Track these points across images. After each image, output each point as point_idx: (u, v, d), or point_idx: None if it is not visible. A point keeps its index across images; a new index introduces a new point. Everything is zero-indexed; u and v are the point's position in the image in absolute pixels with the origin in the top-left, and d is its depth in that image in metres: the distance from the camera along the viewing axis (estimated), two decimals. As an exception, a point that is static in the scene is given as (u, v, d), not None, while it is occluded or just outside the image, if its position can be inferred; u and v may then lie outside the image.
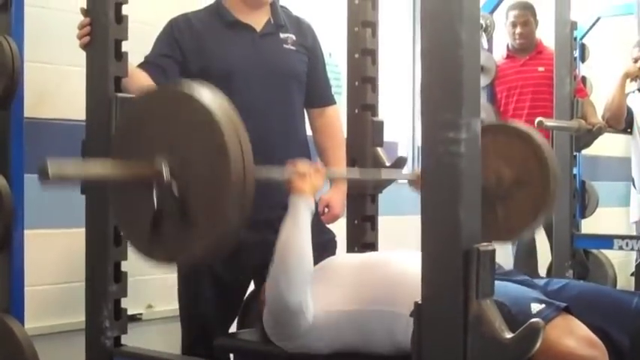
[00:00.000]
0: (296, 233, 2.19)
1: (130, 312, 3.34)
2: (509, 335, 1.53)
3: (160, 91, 2.00)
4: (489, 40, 4.98)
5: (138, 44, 2.51)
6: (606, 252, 5.31)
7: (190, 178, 1.78)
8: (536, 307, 1.94)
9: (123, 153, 1.90)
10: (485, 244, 1.56)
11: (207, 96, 1.81)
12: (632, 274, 2.63)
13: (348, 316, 2.16)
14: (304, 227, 2.20)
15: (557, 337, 1.85)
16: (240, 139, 1.76)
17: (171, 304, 2.92)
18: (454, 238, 1.54)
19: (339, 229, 2.92)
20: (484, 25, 4.87)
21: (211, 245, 1.80)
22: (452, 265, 1.54)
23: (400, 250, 2.39)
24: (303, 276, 2.15)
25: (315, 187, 2.29)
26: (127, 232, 2.01)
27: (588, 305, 2.12)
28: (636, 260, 2.78)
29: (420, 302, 1.59)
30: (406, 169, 2.90)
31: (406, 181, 2.84)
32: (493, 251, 1.56)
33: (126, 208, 1.95)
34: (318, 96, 2.88)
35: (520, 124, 2.73)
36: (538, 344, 1.52)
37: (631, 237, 4.21)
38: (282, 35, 2.75)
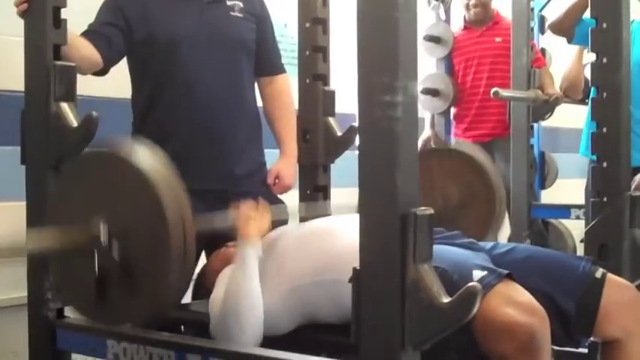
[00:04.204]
0: (246, 282, 2.14)
1: (81, 285, 3.36)
2: (446, 300, 1.52)
3: (97, 155, 2.02)
4: (447, 12, 4.95)
5: (83, 13, 2.47)
6: (567, 222, 5.34)
7: (130, 242, 1.82)
8: (478, 274, 1.92)
9: (61, 218, 1.95)
10: (422, 208, 1.54)
11: (144, 158, 1.83)
12: (581, 241, 2.65)
13: (299, 294, 2.14)
14: (254, 275, 2.16)
15: (496, 305, 1.82)
16: (179, 202, 1.79)
17: (123, 278, 2.88)
18: (391, 202, 1.53)
19: (291, 199, 2.90)
20: (442, -4, 4.85)
21: (155, 310, 1.85)
22: (389, 230, 1.53)
23: (342, 215, 2.37)
24: (255, 325, 2.11)
25: (261, 230, 2.26)
26: (70, 298, 2.05)
27: (534, 269, 2.10)
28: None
29: (358, 268, 1.58)
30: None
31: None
32: (430, 215, 1.55)
33: (67, 275, 2.00)
34: (268, 64, 2.85)
35: (464, 147, 2.77)
36: (475, 308, 1.51)
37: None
38: (229, 3, 2.71)
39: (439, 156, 2.61)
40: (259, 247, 2.22)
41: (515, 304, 1.89)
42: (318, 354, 2.02)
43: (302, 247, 2.22)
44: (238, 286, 2.15)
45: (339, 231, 2.19)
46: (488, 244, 2.27)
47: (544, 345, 1.87)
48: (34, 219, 2.22)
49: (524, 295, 1.93)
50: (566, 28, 4.12)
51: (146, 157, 1.85)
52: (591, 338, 2.21)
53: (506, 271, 1.96)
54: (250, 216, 2.25)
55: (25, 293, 2.29)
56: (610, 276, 2.14)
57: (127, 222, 1.83)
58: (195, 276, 2.84)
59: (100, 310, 1.90)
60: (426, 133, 4.78)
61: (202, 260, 2.84)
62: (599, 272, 2.14)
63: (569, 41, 4.24)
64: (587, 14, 2.62)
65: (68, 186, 2.02)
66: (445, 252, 1.98)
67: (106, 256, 1.83)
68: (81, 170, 2.03)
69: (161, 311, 1.91)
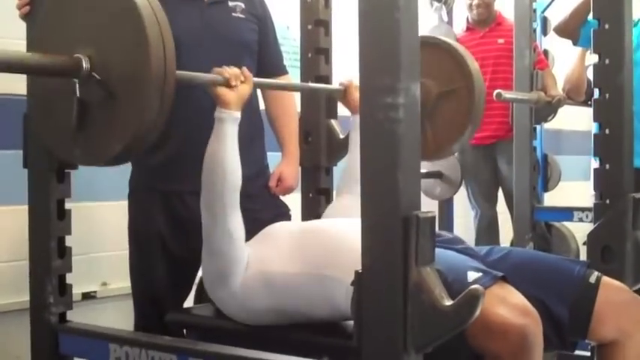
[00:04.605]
0: (222, 148, 2.19)
1: (84, 290, 3.36)
2: (449, 302, 1.52)
3: None
4: (449, 13, 4.96)
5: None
6: (570, 225, 5.33)
7: (111, 69, 1.78)
8: (472, 276, 1.93)
9: (41, 46, 1.90)
10: (425, 211, 1.54)
11: None
12: (584, 244, 2.65)
13: (287, 279, 2.16)
14: (230, 141, 2.21)
15: (489, 306, 1.82)
16: (162, 31, 1.77)
17: (126, 282, 2.88)
18: (393, 204, 1.52)
19: (293, 202, 2.89)
20: (444, -2, 4.86)
21: (135, 135, 1.80)
22: (391, 232, 1.52)
23: (344, 218, 2.37)
24: (231, 191, 2.18)
25: (241, 97, 2.26)
26: (47, 133, 2.00)
27: (528, 275, 2.11)
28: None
29: (360, 271, 1.57)
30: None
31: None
32: (433, 218, 1.55)
33: (46, 108, 1.95)
34: (270, 65, 2.84)
35: (444, 39, 2.74)
36: (478, 311, 1.51)
37: (590, 209, 4.19)
38: (230, 3, 2.69)
39: None
40: (238, 114, 2.25)
41: (509, 306, 1.89)
42: (319, 357, 2.02)
43: (303, 241, 2.24)
44: (214, 155, 2.20)
45: (341, 231, 2.20)
46: (483, 249, 2.28)
47: (536, 346, 1.88)
48: (37, 222, 2.21)
49: (517, 297, 1.93)
50: (571, 29, 4.12)
51: None
52: (587, 341, 2.21)
53: (500, 273, 1.97)
54: (231, 80, 2.24)
55: (27, 297, 2.28)
56: (605, 279, 2.15)
57: (110, 47, 1.80)
58: (197, 280, 2.86)
59: (80, 142, 1.87)
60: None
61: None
62: (594, 276, 2.15)
63: (575, 43, 4.23)
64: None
65: (54, 12, 1.96)
66: (441, 255, 1.97)
67: (88, 79, 1.80)
68: None
69: (140, 142, 1.86)
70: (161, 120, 1.81)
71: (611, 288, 2.14)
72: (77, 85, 1.80)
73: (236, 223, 2.20)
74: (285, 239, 2.27)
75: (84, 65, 1.79)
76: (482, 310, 1.69)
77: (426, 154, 2.50)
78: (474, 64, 2.62)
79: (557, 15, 5.22)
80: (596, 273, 2.15)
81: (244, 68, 2.33)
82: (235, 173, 2.19)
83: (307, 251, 2.18)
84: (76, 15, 1.87)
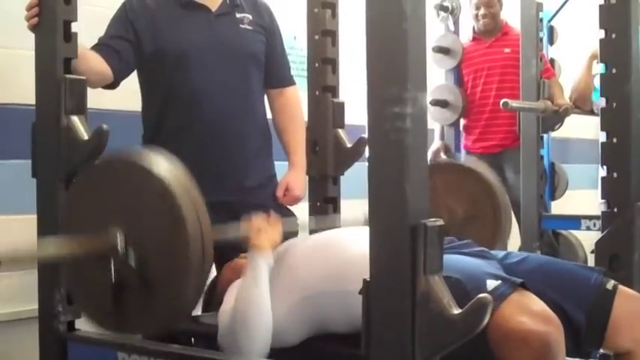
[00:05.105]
0: (256, 291, 2.15)
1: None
2: (457, 311, 1.51)
3: (114, 162, 2.02)
4: (455, 23, 4.95)
5: (92, 27, 2.48)
6: (577, 234, 5.31)
7: (147, 251, 1.82)
8: (491, 284, 1.91)
9: (76, 224, 1.96)
10: (432, 219, 1.54)
11: (163, 167, 1.83)
12: (591, 252, 2.65)
13: (303, 304, 2.14)
14: (264, 285, 2.17)
15: (511, 314, 1.82)
16: (197, 210, 1.79)
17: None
18: (401, 213, 1.52)
19: (301, 211, 2.90)
20: (450, 8, 4.85)
21: (171, 317, 1.85)
22: (399, 241, 1.52)
23: (352, 227, 2.37)
24: (263, 334, 2.12)
25: (272, 241, 2.27)
26: (85, 307, 2.07)
27: (546, 280, 2.09)
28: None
29: (368, 279, 1.57)
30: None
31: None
32: (441, 227, 1.55)
33: (82, 284, 2.01)
34: (277, 76, 2.85)
35: (470, 163, 2.77)
36: (486, 319, 1.51)
37: (598, 217, 4.18)
38: (238, 15, 2.72)
39: (443, 170, 2.61)
40: (270, 258, 2.22)
41: (530, 313, 1.87)
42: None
43: (312, 258, 2.22)
44: (248, 295, 2.15)
45: (350, 241, 2.18)
46: (501, 253, 2.26)
47: (559, 353, 1.86)
48: (45, 232, 2.22)
49: (538, 304, 1.92)
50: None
51: (165, 165, 1.84)
52: (601, 350, 2.19)
53: (520, 280, 1.95)
54: (261, 227, 2.26)
55: (36, 306, 2.29)
56: (621, 288, 2.13)
57: (145, 231, 1.83)
58: (205, 288, 2.86)
59: (116, 320, 1.91)
60: (435, 144, 4.78)
61: (212, 272, 2.84)
62: (610, 284, 2.13)
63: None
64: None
65: (85, 192, 2.02)
66: (459, 262, 1.97)
67: (123, 264, 1.84)
68: (98, 176, 2.03)
69: (176, 322, 1.90)
70: (199, 295, 1.88)
71: (627, 296, 2.12)
72: (112, 270, 1.86)
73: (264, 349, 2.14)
74: (296, 262, 2.23)
75: (120, 251, 1.83)
76: (503, 318, 1.68)
77: None
78: (501, 191, 2.67)
79: (565, 23, 5.24)
80: (612, 281, 2.13)
81: (272, 213, 2.36)
82: (268, 318, 2.14)
83: (317, 270, 2.16)
84: (111, 196, 1.92)
